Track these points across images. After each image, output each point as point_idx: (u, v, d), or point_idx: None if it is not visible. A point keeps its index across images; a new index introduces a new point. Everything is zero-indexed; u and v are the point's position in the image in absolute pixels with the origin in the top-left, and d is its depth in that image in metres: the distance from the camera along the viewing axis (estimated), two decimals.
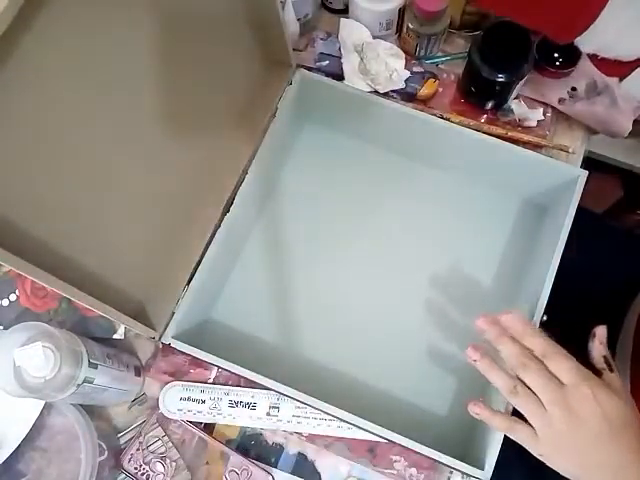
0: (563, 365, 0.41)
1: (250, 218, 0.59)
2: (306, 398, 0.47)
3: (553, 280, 0.49)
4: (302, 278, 0.59)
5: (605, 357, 0.44)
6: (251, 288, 0.58)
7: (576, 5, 0.35)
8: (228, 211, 0.53)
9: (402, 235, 0.60)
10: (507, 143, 0.54)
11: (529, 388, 0.41)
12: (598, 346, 0.45)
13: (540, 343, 0.42)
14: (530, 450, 0.42)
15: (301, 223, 0.60)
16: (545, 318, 0.49)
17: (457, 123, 0.60)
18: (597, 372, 0.43)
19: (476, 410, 0.44)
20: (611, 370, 0.43)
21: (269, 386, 0.47)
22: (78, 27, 0.34)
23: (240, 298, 0.58)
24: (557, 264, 0.50)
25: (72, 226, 0.40)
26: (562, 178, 0.54)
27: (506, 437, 0.46)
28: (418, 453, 0.46)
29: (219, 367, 0.49)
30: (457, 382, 0.55)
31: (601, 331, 0.45)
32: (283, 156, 0.62)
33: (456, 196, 0.60)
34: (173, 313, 0.50)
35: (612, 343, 0.63)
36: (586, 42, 0.37)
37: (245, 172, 0.54)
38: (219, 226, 0.52)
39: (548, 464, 0.41)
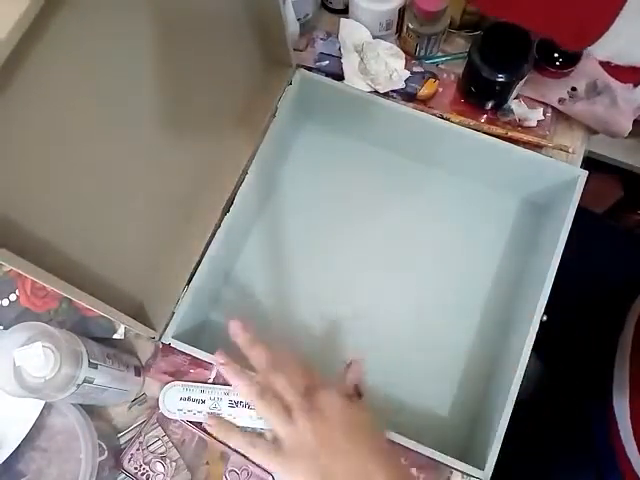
0: (298, 377, 0.41)
1: (250, 218, 0.59)
2: None
3: (553, 280, 0.49)
4: (301, 278, 0.58)
5: (356, 386, 0.44)
6: (251, 288, 0.58)
7: (589, 13, 0.35)
8: (228, 211, 0.53)
9: (401, 234, 0.60)
10: (507, 143, 0.54)
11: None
12: (351, 377, 0.45)
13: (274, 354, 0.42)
14: (273, 466, 0.40)
15: (301, 223, 0.60)
16: (545, 318, 0.49)
17: (457, 123, 0.60)
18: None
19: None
20: (360, 396, 0.44)
21: None
22: (80, 30, 0.33)
23: (240, 298, 0.58)
24: (557, 264, 0.50)
25: (73, 226, 0.40)
26: (562, 178, 0.54)
27: (506, 437, 0.45)
28: (418, 453, 0.46)
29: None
30: (457, 382, 0.55)
31: (357, 366, 0.45)
32: (283, 156, 0.62)
33: (456, 195, 0.60)
34: (173, 313, 0.50)
35: (612, 343, 0.63)
36: (599, 49, 0.37)
37: (245, 172, 0.54)
38: (219, 226, 0.52)
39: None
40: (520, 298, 0.55)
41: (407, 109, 0.55)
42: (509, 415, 0.46)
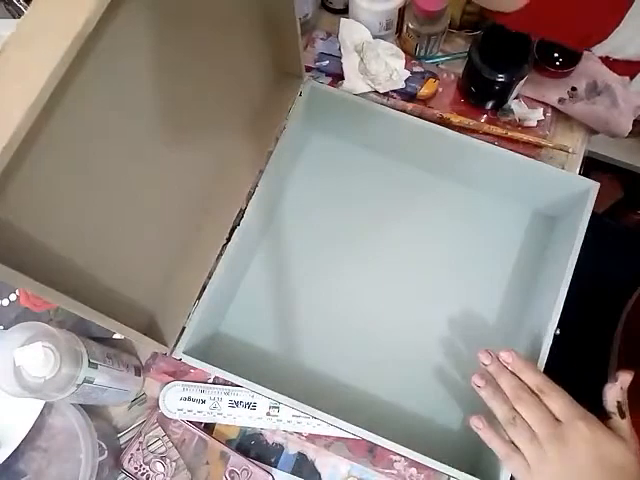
0: (560, 401, 0.41)
1: (259, 231, 0.59)
2: (319, 414, 0.46)
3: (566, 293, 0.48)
4: (309, 291, 0.58)
5: (619, 402, 0.43)
6: (260, 300, 0.58)
7: (597, 19, 0.37)
8: (238, 225, 0.52)
9: (411, 247, 0.59)
10: (519, 155, 0.53)
11: (527, 422, 0.41)
12: (617, 390, 0.43)
13: (537, 379, 0.43)
14: None
15: (309, 236, 0.59)
16: (558, 332, 0.48)
17: (457, 123, 0.60)
18: (605, 415, 0.42)
19: (477, 424, 0.44)
20: (622, 416, 0.42)
21: (281, 401, 0.47)
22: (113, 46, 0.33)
23: (248, 311, 0.58)
24: (570, 277, 0.49)
25: (83, 241, 0.39)
26: (574, 190, 0.53)
27: None
28: (430, 468, 0.46)
29: (233, 384, 0.48)
30: (468, 396, 0.53)
31: (625, 377, 0.43)
32: (292, 167, 0.61)
33: (467, 207, 0.60)
34: (184, 328, 0.49)
35: (609, 343, 0.63)
36: (599, 48, 0.38)
37: (255, 185, 0.53)
38: (229, 240, 0.52)
39: None
40: (533, 311, 0.54)
41: (419, 121, 0.54)
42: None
